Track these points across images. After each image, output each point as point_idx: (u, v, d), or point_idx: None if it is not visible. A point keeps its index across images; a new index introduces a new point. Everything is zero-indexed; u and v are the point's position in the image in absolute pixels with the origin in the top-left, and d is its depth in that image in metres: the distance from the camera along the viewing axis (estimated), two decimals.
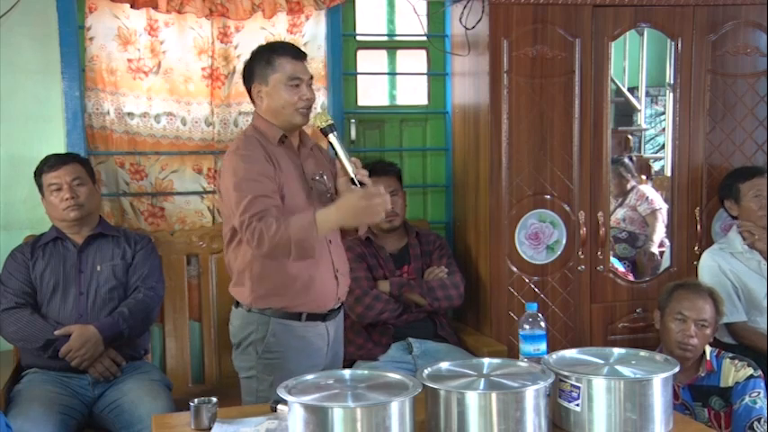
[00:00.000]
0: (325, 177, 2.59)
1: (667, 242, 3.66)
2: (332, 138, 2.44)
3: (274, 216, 2.32)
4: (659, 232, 3.86)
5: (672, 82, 3.54)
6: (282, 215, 2.35)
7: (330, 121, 2.46)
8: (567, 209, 3.37)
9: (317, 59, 3.48)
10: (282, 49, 2.56)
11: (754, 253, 3.31)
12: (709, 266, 3.31)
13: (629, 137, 4.16)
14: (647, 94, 4.07)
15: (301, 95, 2.49)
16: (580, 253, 3.39)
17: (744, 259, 3.31)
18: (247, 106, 3.40)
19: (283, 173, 2.47)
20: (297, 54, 2.53)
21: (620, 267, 3.69)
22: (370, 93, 3.81)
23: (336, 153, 2.44)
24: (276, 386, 2.44)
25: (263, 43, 2.85)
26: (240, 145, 2.48)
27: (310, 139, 2.71)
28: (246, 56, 3.33)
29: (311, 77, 2.55)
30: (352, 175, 2.40)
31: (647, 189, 4.00)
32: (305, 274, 2.47)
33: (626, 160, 4.00)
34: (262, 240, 2.30)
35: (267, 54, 2.53)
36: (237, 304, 2.56)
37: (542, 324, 2.15)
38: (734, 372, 2.64)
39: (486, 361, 2.02)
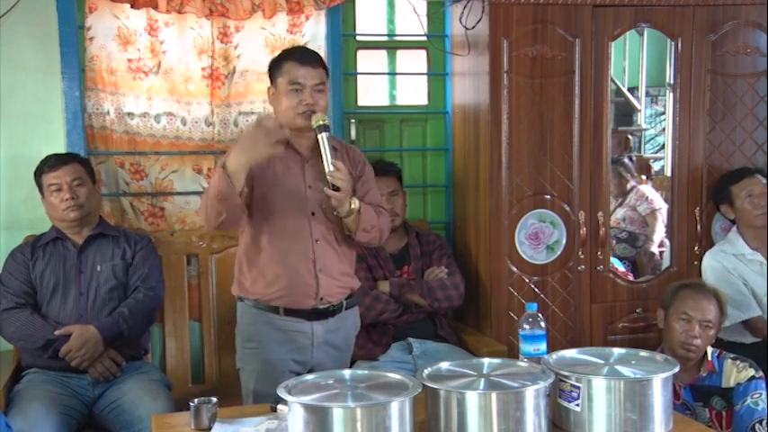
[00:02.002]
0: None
1: (667, 242, 3.66)
2: (320, 137, 2.44)
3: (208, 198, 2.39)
4: (659, 232, 3.87)
5: (672, 82, 3.54)
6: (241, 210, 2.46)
7: (323, 122, 2.45)
8: (567, 209, 3.37)
9: None
10: (291, 53, 2.58)
11: (755, 254, 3.31)
12: (713, 267, 3.31)
13: (629, 137, 4.16)
14: (647, 94, 4.07)
15: (301, 100, 2.49)
16: (580, 253, 3.39)
17: (745, 260, 3.31)
18: (247, 106, 3.42)
19: (272, 170, 2.51)
20: (303, 59, 2.53)
21: (620, 267, 3.69)
22: (370, 93, 3.81)
23: (321, 153, 2.43)
24: (257, 376, 2.52)
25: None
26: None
27: (335, 140, 2.65)
28: (246, 56, 3.38)
29: (320, 83, 2.52)
30: (328, 177, 2.40)
31: (647, 189, 4.00)
32: (275, 268, 2.52)
33: (626, 160, 4.01)
34: (202, 213, 2.44)
35: (279, 58, 2.57)
36: None
37: (542, 324, 2.15)
38: (735, 372, 2.64)
39: (486, 361, 2.02)
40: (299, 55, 2.56)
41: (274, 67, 2.55)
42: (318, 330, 2.58)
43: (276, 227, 2.52)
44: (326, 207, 2.53)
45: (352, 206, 2.48)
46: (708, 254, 3.38)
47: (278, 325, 2.54)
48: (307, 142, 2.58)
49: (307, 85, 2.50)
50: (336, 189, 2.41)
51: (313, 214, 2.55)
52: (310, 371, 2.49)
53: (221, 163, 2.36)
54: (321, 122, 2.45)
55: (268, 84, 2.60)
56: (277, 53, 2.64)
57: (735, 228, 3.40)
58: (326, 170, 2.41)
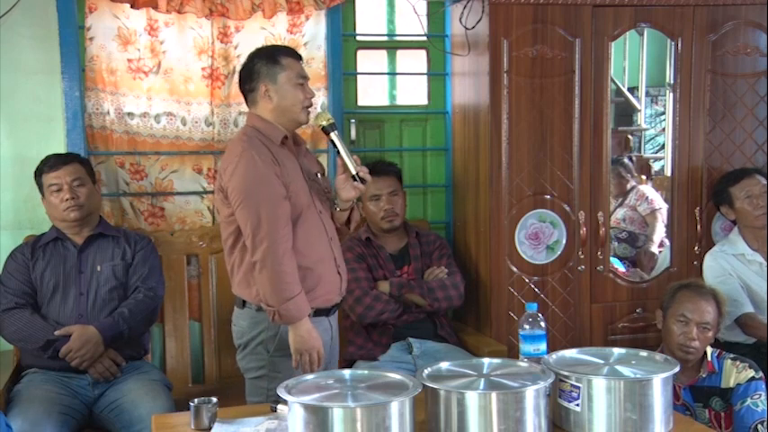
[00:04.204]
0: (319, 176, 2.67)
1: (667, 242, 3.66)
2: (333, 136, 2.55)
3: (291, 255, 2.43)
4: (659, 232, 3.86)
5: (672, 82, 3.54)
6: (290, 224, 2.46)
7: (332, 120, 2.56)
8: (567, 209, 3.37)
9: (317, 59, 3.48)
10: (286, 50, 2.65)
11: (755, 255, 3.31)
12: (712, 267, 3.32)
13: (629, 137, 4.16)
14: (647, 94, 4.06)
15: (307, 94, 2.57)
16: (580, 253, 3.39)
17: (745, 261, 3.31)
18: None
19: (288, 173, 2.51)
20: (298, 55, 2.63)
21: (620, 267, 3.69)
22: (370, 93, 3.81)
23: (338, 151, 2.54)
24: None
25: (261, 46, 2.91)
26: (246, 146, 2.47)
27: (303, 139, 2.77)
28: (246, 56, 3.36)
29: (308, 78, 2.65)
30: (354, 172, 2.52)
31: (647, 189, 4.00)
32: (313, 272, 2.53)
33: (625, 160, 4.00)
34: (269, 259, 2.40)
35: (272, 54, 2.57)
36: (243, 304, 2.56)
37: (542, 324, 2.15)
38: (735, 373, 2.64)
39: (486, 361, 2.03)
40: (293, 51, 2.64)
41: (270, 65, 2.53)
42: (333, 325, 2.67)
43: (301, 230, 2.51)
44: (325, 202, 2.62)
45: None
46: (708, 254, 3.38)
47: None
48: (291, 140, 2.63)
49: (307, 78, 2.59)
50: (363, 181, 2.54)
51: (321, 212, 2.58)
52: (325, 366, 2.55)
53: (294, 311, 2.43)
54: (330, 121, 2.56)
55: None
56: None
57: (736, 228, 3.40)
58: (350, 166, 2.53)
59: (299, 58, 2.62)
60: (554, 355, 2.10)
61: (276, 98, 2.54)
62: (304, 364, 2.45)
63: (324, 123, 2.55)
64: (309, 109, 2.58)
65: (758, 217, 3.31)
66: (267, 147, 2.50)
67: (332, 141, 2.56)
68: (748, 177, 3.36)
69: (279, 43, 3.37)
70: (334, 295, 2.61)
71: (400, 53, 3.82)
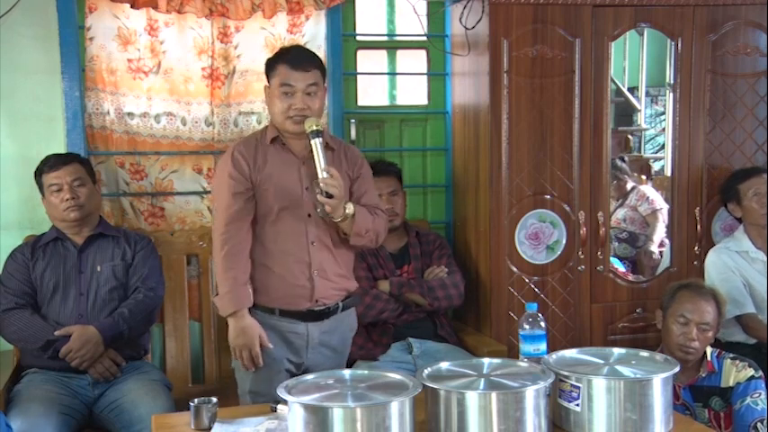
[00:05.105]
0: None
1: (667, 242, 3.67)
2: (313, 143, 2.44)
3: (235, 251, 2.51)
4: (659, 232, 3.87)
5: (672, 82, 3.54)
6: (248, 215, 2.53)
7: (316, 127, 2.45)
8: (567, 209, 3.37)
9: None
10: (283, 55, 2.57)
11: (759, 253, 3.31)
12: (715, 264, 3.32)
13: (629, 137, 4.16)
14: (647, 94, 4.07)
15: (292, 104, 2.49)
16: (580, 253, 3.39)
17: (749, 259, 3.31)
18: (247, 106, 3.42)
19: (268, 172, 2.52)
20: (295, 62, 2.51)
21: (620, 267, 3.69)
22: (370, 93, 3.81)
23: (314, 159, 2.44)
24: (253, 377, 2.54)
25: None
26: (233, 145, 2.63)
27: (332, 140, 2.68)
28: (246, 56, 3.38)
29: (312, 84, 2.52)
30: (321, 184, 2.40)
31: (648, 189, 4.01)
32: (272, 272, 2.54)
33: (618, 162, 3.99)
34: (215, 253, 2.56)
35: (273, 59, 2.59)
36: None
37: (542, 324, 2.15)
38: (735, 372, 2.64)
39: (486, 361, 2.03)
40: (291, 57, 2.54)
41: (269, 67, 2.58)
42: (313, 332, 2.59)
43: (272, 229, 2.53)
44: (321, 211, 2.52)
45: (347, 211, 2.48)
46: (712, 250, 3.39)
47: (273, 325, 2.55)
48: (302, 143, 2.57)
49: (297, 89, 2.50)
50: (330, 196, 2.41)
51: (309, 216, 2.55)
52: (305, 371, 2.49)
53: (220, 304, 2.54)
54: (314, 128, 2.44)
55: (266, 82, 2.62)
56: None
57: (741, 226, 3.41)
58: (319, 177, 2.41)
59: (298, 65, 2.50)
60: (554, 355, 2.10)
61: (269, 102, 2.59)
62: (239, 359, 2.51)
63: (307, 129, 2.45)
64: (298, 118, 2.48)
65: (764, 215, 3.32)
66: (256, 145, 2.56)
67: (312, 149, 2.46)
68: (757, 175, 3.37)
69: (279, 44, 3.37)
70: (302, 300, 2.55)
71: (400, 53, 3.81)
